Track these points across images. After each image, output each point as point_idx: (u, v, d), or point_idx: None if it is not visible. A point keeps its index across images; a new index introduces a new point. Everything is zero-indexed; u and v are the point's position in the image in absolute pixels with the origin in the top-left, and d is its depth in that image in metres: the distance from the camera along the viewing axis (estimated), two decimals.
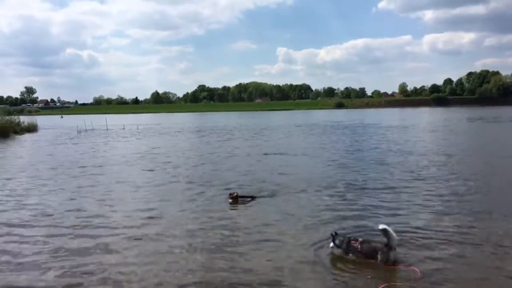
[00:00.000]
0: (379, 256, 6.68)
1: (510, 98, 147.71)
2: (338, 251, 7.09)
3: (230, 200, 10.69)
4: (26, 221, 9.61)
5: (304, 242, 7.76)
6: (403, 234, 7.86)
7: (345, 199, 10.98)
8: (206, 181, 13.99)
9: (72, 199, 11.82)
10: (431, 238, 7.84)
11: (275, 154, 21.65)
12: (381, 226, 6.76)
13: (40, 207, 10.91)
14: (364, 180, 13.63)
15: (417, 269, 6.34)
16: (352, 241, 7.01)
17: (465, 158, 18.72)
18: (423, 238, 7.84)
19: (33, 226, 9.21)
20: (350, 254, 6.96)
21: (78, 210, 10.50)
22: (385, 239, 6.72)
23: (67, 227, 9.05)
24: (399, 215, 9.46)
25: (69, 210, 10.46)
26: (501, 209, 9.76)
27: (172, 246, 7.71)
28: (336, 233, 7.25)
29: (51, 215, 10.12)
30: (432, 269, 6.44)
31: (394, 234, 6.68)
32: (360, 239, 7.05)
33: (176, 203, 10.94)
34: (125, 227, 8.97)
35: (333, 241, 7.14)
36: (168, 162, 18.97)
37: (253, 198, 11.00)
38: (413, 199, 10.87)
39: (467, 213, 9.45)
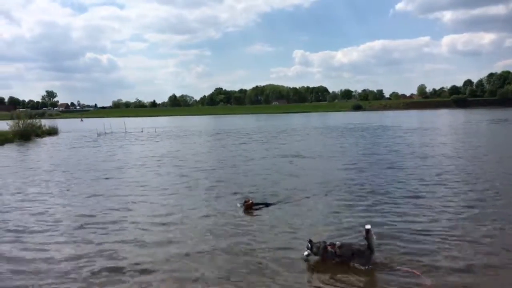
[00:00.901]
0: (360, 259, 6.73)
1: None
2: (313, 258, 7.12)
3: (241, 207, 10.54)
4: (46, 226, 9.85)
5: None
6: (423, 240, 7.75)
7: (359, 205, 10.85)
8: (223, 185, 14.06)
9: (88, 202, 12.05)
10: (449, 244, 7.73)
11: (293, 156, 21.56)
12: (367, 226, 6.79)
13: (62, 209, 11.16)
14: (382, 184, 13.51)
15: (427, 281, 6.20)
16: (328, 247, 7.06)
17: (486, 161, 18.34)
18: (440, 246, 7.72)
19: (51, 230, 9.42)
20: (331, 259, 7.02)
21: (93, 214, 10.71)
22: (365, 242, 6.77)
23: (86, 229, 9.24)
24: (419, 221, 9.33)
25: (82, 215, 10.64)
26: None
27: (192, 250, 7.82)
28: (311, 240, 7.26)
29: (69, 218, 10.34)
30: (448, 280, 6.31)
31: (374, 237, 6.73)
32: (338, 243, 7.08)
33: (193, 208, 10.96)
34: (142, 233, 9.08)
35: (310, 248, 7.12)
36: (186, 166, 19.13)
37: (267, 205, 10.72)
38: (434, 205, 10.72)
39: (491, 220, 9.27)
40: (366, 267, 6.71)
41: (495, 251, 7.38)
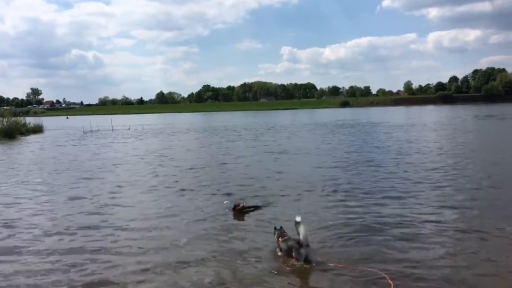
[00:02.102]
0: (294, 254, 6.61)
1: None
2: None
3: (229, 205, 10.25)
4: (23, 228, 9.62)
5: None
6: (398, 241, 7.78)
7: (347, 203, 10.77)
8: (211, 184, 13.83)
9: (69, 205, 11.69)
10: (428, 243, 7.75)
11: (281, 154, 21.53)
12: (297, 218, 6.71)
13: (42, 208, 10.95)
14: (367, 181, 13.55)
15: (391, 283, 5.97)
16: (279, 238, 7.04)
17: (472, 157, 18.53)
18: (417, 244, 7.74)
19: (39, 229, 9.22)
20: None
21: (72, 219, 10.03)
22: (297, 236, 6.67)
23: (69, 231, 9.05)
24: (399, 220, 9.32)
25: (62, 218, 10.14)
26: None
27: (180, 258, 7.20)
28: (275, 227, 7.40)
29: (52, 215, 10.15)
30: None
31: (304, 231, 6.53)
32: (286, 237, 7.01)
33: (181, 211, 10.42)
34: (123, 239, 8.49)
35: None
36: (173, 164, 18.97)
37: (256, 208, 10.26)
38: (417, 203, 10.75)
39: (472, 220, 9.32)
40: (302, 263, 6.51)
41: (475, 256, 7.26)
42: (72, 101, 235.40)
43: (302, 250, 6.50)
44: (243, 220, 9.51)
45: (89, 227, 9.17)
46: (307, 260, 6.53)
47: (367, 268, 6.45)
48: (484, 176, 13.68)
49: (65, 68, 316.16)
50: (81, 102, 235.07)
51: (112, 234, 8.68)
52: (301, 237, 6.52)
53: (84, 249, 7.81)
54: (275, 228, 7.44)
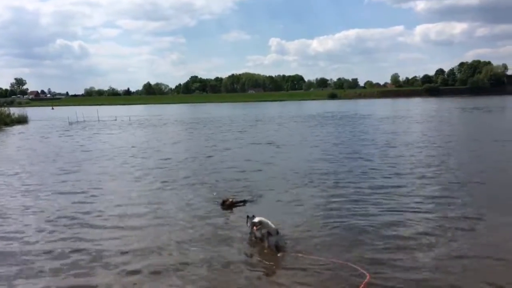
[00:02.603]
0: (265, 241, 7.10)
1: (501, 88, 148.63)
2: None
3: (216, 197, 10.18)
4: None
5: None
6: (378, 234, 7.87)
7: (332, 195, 10.85)
8: (198, 178, 13.77)
9: (51, 199, 11.49)
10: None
11: (270, 145, 21.59)
12: (256, 219, 7.17)
13: (21, 200, 10.82)
14: (354, 174, 13.67)
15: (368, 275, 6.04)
16: (254, 227, 7.35)
17: (457, 149, 18.77)
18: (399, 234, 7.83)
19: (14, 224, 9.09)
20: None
21: (52, 218, 9.71)
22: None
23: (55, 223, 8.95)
24: (383, 214, 9.42)
25: (45, 214, 9.79)
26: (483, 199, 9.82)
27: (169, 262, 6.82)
28: (247, 216, 7.67)
29: (30, 208, 10.02)
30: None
31: (268, 223, 7.06)
32: (259, 226, 7.31)
33: (168, 208, 10.02)
34: (106, 239, 8.34)
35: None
36: (160, 156, 18.91)
37: (245, 202, 10.16)
38: (401, 196, 10.88)
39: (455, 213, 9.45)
40: (272, 249, 6.95)
41: (457, 245, 7.41)
42: (57, 91, 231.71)
43: (272, 238, 6.97)
44: (231, 213, 9.47)
45: (70, 220, 9.01)
46: (277, 248, 6.95)
47: (339, 261, 6.55)
48: (468, 168, 13.95)
49: (50, 58, 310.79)
50: (67, 92, 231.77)
51: (93, 229, 8.49)
52: (271, 226, 7.04)
53: (63, 246, 7.58)
54: (247, 216, 7.72)
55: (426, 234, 7.70)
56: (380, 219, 8.59)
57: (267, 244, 7.04)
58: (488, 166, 14.40)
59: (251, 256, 7.03)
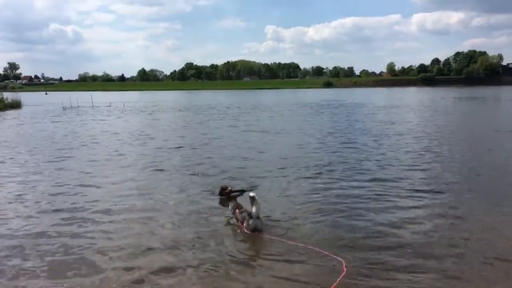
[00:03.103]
0: (245, 224, 7.28)
1: (496, 78, 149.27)
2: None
3: (218, 194, 9.59)
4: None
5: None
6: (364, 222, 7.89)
7: (326, 183, 10.85)
8: (194, 166, 13.69)
9: (51, 180, 11.51)
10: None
11: (264, 133, 21.54)
12: (251, 194, 7.32)
13: (18, 187, 10.75)
14: (347, 163, 13.67)
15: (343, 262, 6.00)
16: (236, 209, 7.63)
17: (449, 137, 18.83)
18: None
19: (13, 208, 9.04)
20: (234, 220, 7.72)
21: (52, 194, 9.97)
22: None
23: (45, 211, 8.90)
24: (373, 202, 9.45)
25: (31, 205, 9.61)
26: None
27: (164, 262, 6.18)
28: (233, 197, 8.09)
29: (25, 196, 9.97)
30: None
31: (257, 205, 7.15)
32: (243, 209, 7.59)
33: (163, 201, 9.44)
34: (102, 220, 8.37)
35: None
36: (155, 144, 18.81)
37: (243, 192, 9.69)
38: (392, 186, 10.89)
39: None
40: (251, 231, 7.16)
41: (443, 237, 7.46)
42: (51, 76, 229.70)
43: (252, 221, 7.17)
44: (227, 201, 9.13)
45: (60, 210, 8.74)
46: (256, 230, 7.17)
47: (316, 248, 6.53)
48: (462, 158, 14.04)
49: (43, 43, 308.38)
50: (60, 77, 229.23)
51: (84, 217, 8.23)
52: (253, 210, 7.18)
53: (51, 234, 7.39)
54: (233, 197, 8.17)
55: (413, 222, 7.73)
56: (370, 207, 8.61)
57: (246, 226, 7.21)
58: (482, 154, 14.48)
59: (228, 237, 7.20)
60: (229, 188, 9.65)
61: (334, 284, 5.40)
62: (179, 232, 7.43)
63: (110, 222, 7.95)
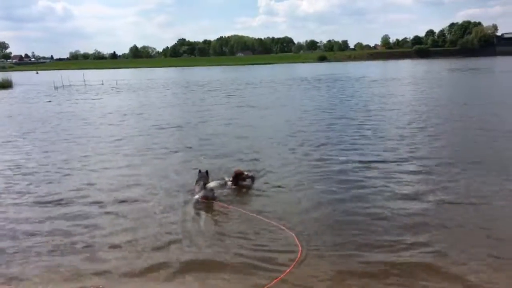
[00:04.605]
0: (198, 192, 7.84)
1: (491, 49, 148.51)
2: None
3: (230, 180, 8.52)
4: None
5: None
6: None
7: (317, 159, 10.85)
8: (191, 149, 13.48)
9: (41, 166, 11.27)
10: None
11: (261, 109, 21.41)
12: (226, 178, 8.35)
13: (10, 165, 10.64)
14: (341, 138, 13.68)
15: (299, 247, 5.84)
16: (197, 183, 8.04)
17: (444, 111, 18.80)
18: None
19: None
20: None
21: (43, 180, 9.68)
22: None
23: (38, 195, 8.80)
24: (364, 182, 9.42)
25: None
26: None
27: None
28: (199, 170, 8.32)
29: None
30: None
31: (214, 183, 7.87)
32: (201, 182, 7.96)
33: (156, 190, 8.59)
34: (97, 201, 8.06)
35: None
36: (149, 124, 18.68)
37: (253, 179, 8.74)
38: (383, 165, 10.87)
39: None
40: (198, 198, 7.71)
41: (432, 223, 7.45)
42: (41, 55, 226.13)
43: (203, 191, 7.72)
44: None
45: (53, 195, 8.38)
46: (206, 198, 7.71)
47: (273, 223, 6.65)
48: (456, 132, 14.17)
49: (32, 21, 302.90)
50: (51, 56, 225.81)
51: (77, 204, 7.88)
52: (210, 184, 7.85)
53: (43, 220, 7.16)
54: (199, 171, 8.30)
55: (402, 197, 7.75)
56: (356, 185, 8.51)
57: (197, 193, 7.76)
58: (477, 128, 14.45)
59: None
60: (246, 173, 8.70)
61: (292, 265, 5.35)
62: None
63: (106, 213, 7.38)
